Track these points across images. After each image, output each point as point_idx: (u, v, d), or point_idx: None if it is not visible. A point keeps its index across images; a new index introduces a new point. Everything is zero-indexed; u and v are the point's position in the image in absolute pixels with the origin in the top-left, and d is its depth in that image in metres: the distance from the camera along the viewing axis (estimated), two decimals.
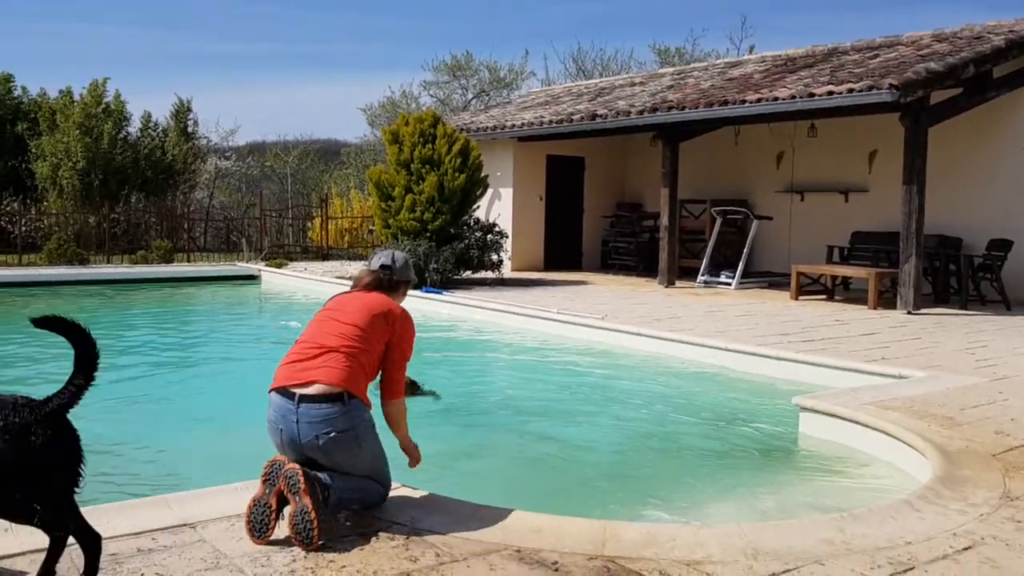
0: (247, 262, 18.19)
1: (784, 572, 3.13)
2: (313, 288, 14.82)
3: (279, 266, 17.41)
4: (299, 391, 3.52)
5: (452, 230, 14.15)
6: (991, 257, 11.92)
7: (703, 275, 14.57)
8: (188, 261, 18.82)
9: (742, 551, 3.31)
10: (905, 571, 3.15)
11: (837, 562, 3.23)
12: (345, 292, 4.05)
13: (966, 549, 3.36)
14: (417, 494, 3.85)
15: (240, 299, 14.94)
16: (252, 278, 16.60)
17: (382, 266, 4.11)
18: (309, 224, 23.31)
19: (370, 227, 20.83)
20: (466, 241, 14.12)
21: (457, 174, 14.12)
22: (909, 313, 10.77)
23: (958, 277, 12.19)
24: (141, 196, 21.60)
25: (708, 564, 3.20)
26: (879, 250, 12.91)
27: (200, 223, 23.38)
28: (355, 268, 16.59)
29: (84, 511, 3.36)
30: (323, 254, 20.80)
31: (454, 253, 13.80)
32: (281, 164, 34.08)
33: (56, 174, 21.04)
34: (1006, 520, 3.68)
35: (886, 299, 11.66)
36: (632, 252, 16.91)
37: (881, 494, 4.49)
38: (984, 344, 8.36)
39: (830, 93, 11.18)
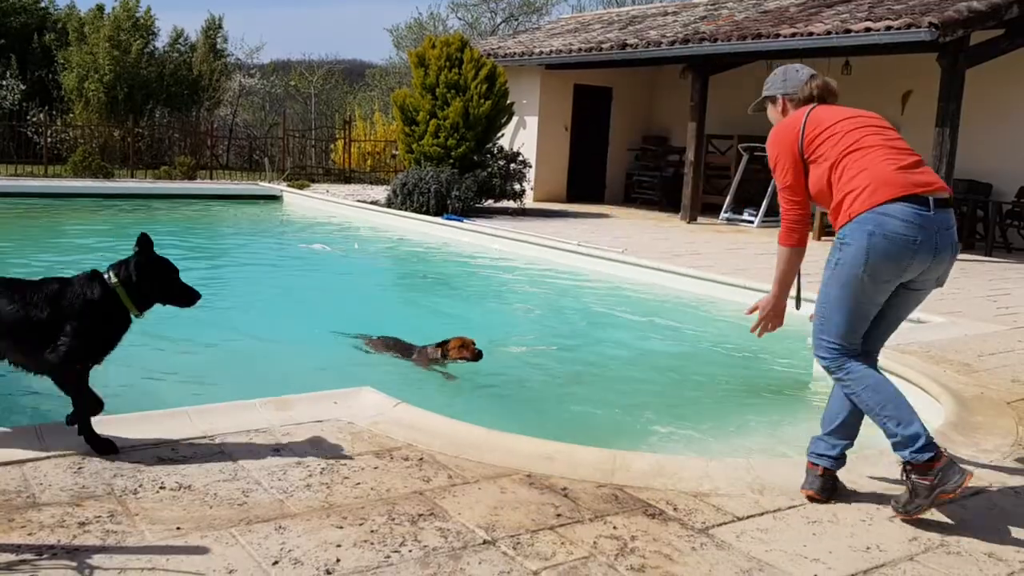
0: (269, 182, 18.20)
1: (789, 508, 3.19)
2: (335, 211, 14.85)
3: (301, 187, 17.41)
4: (932, 196, 3.06)
5: (475, 158, 14.06)
6: (1020, 204, 11.75)
7: (726, 212, 14.46)
8: (211, 178, 18.84)
9: (749, 485, 3.37)
10: (894, 488, 3.19)
11: (843, 500, 3.28)
12: (820, 108, 3.43)
13: (974, 495, 3.40)
14: (431, 417, 3.91)
15: (263, 219, 15.00)
16: (274, 198, 16.63)
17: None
18: (332, 146, 23.22)
19: (393, 151, 20.74)
20: (489, 169, 14.03)
21: (483, 100, 13.96)
22: None
23: (985, 223, 12.05)
24: (165, 111, 21.54)
25: (715, 496, 3.25)
26: None
27: (223, 141, 23.34)
28: (377, 192, 16.59)
29: (107, 420, 3.46)
30: (345, 176, 20.76)
31: (476, 181, 13.73)
32: (305, 84, 33.80)
33: (82, 86, 20.98)
34: (1016, 465, 3.71)
35: None
36: (656, 186, 16.77)
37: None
38: (1007, 292, 8.29)
39: (867, 30, 10.90)
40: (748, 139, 15.13)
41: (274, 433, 3.60)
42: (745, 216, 14.19)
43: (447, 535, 2.79)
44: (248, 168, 22.04)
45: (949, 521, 3.13)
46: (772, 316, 3.67)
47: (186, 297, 3.46)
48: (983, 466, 3.69)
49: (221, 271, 9.97)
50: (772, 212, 14.27)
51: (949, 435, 4.05)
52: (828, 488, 3.29)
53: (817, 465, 3.31)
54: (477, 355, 5.71)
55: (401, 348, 6.01)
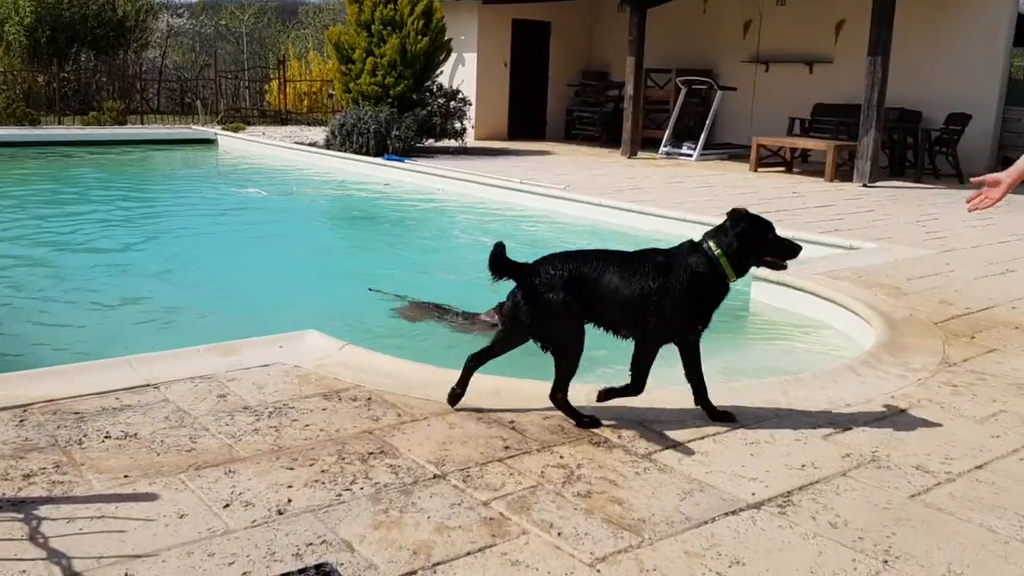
0: (203, 125, 17.72)
1: (728, 431, 3.30)
2: (273, 153, 14.56)
3: (236, 130, 17.01)
4: None
5: (414, 96, 13.86)
6: (948, 131, 12.04)
7: (665, 146, 14.54)
8: (142, 123, 18.28)
9: (690, 411, 3.47)
10: (843, 431, 3.33)
11: (779, 421, 3.41)
12: None
13: (902, 411, 3.55)
14: (378, 357, 3.94)
15: (198, 163, 14.65)
16: (209, 142, 16.22)
17: None
18: (267, 87, 22.64)
19: (330, 91, 20.30)
20: (429, 108, 13.86)
21: (420, 37, 13.71)
22: (864, 186, 10.92)
23: (915, 151, 12.34)
24: (91, 55, 20.71)
25: (658, 423, 3.35)
26: (840, 123, 12.94)
27: (153, 84, 22.57)
28: (315, 133, 16.29)
29: (45, 373, 3.41)
30: (281, 118, 20.31)
31: (416, 120, 13.57)
32: (237, 23, 32.74)
33: (2, 30, 20.06)
34: (942, 384, 3.88)
35: (843, 172, 11.79)
36: (596, 122, 16.75)
37: (826, 359, 4.68)
38: (935, 217, 8.55)
39: None
40: (686, 72, 15.17)
41: (220, 379, 3.59)
42: (684, 150, 14.29)
43: (398, 471, 2.84)
44: (180, 112, 21.39)
45: (880, 437, 3.27)
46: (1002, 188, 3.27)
47: (790, 252, 3.34)
48: (912, 384, 3.85)
49: (155, 219, 9.77)
50: (710, 145, 14.40)
51: (880, 356, 4.21)
52: None
53: None
54: None
55: (450, 313, 5.56)
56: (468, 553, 2.37)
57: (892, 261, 6.32)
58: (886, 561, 2.41)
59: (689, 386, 3.41)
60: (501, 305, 5.32)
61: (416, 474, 2.83)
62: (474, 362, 3.35)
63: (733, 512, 2.66)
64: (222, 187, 12.23)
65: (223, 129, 17.03)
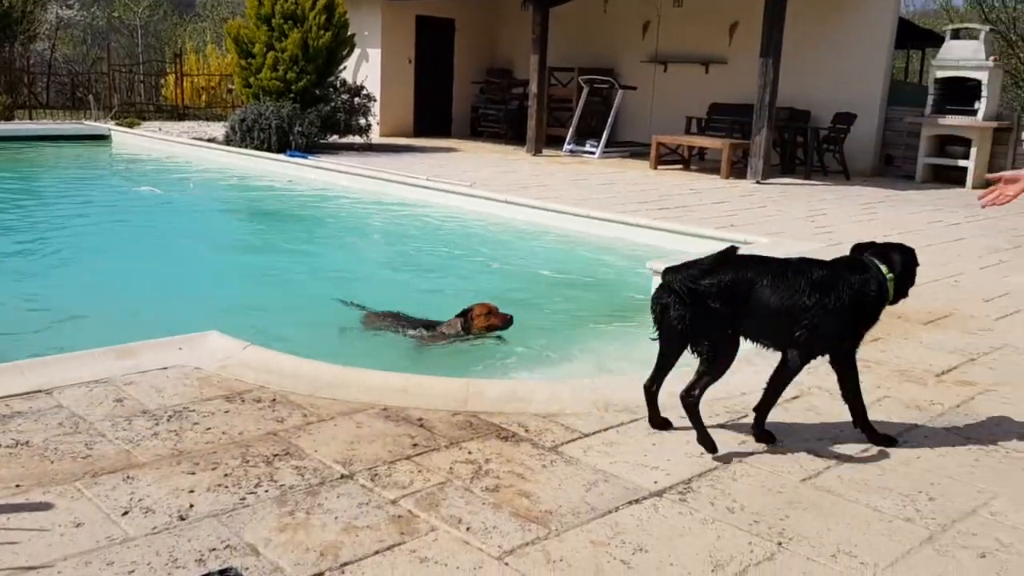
0: (96, 120, 17.04)
1: (632, 421, 3.39)
2: (169, 149, 14.11)
3: (131, 125, 16.42)
4: None
5: (318, 91, 13.66)
6: (835, 130, 12.59)
7: (569, 144, 14.74)
8: (30, 118, 17.47)
9: (594, 403, 3.55)
10: (740, 418, 3.47)
11: (680, 411, 3.51)
12: None
13: (794, 398, 3.71)
14: (283, 358, 3.88)
15: (90, 161, 14.08)
16: (102, 138, 15.59)
17: None
18: (163, 81, 21.93)
19: (229, 86, 19.80)
20: (333, 104, 13.68)
21: (322, 32, 13.52)
22: (758, 183, 11.32)
23: (804, 148, 12.85)
24: None
25: (563, 416, 3.42)
26: (734, 121, 13.36)
27: (42, 78, 21.61)
28: (214, 129, 15.87)
29: None
30: (179, 113, 19.71)
31: (320, 116, 13.37)
32: (130, 15, 31.54)
33: None
34: (830, 372, 4.05)
35: (738, 169, 12.17)
36: (501, 119, 16.84)
37: None
38: (824, 212, 8.92)
39: None
40: (588, 71, 15.40)
41: (116, 383, 3.49)
42: (587, 148, 14.50)
43: (304, 473, 2.82)
44: (71, 107, 20.51)
45: (773, 424, 3.41)
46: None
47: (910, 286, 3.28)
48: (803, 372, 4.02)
49: (45, 218, 9.36)
50: (612, 143, 14.66)
51: None
52: None
53: None
54: (507, 320, 5.14)
55: (410, 324, 5.35)
56: (376, 552, 2.38)
57: (784, 255, 6.57)
58: (780, 543, 2.52)
59: (595, 380, 3.48)
60: (464, 314, 5.15)
61: (323, 475, 2.81)
62: (654, 385, 3.27)
63: (636, 501, 2.74)
64: (116, 185, 11.79)
65: (117, 125, 16.41)
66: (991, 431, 3.42)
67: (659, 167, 12.88)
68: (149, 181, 11.18)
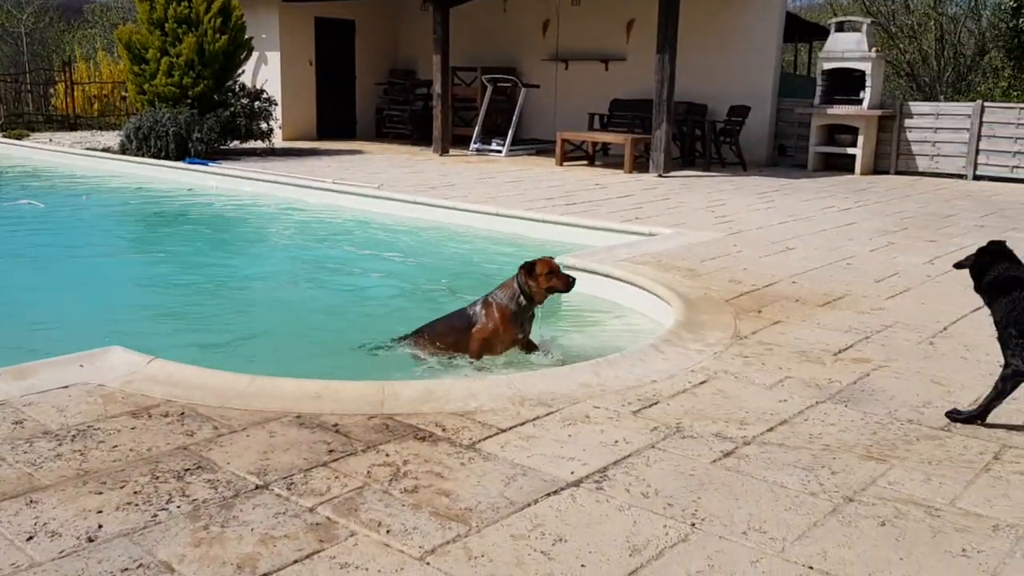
0: None
1: (547, 414, 3.44)
2: (61, 160, 13.57)
3: (19, 137, 15.73)
4: None
5: (216, 97, 13.34)
6: (731, 123, 12.98)
7: (475, 143, 14.78)
8: None
9: (510, 399, 3.58)
10: (651, 406, 3.55)
11: (593, 402, 3.58)
12: None
13: (702, 383, 3.83)
14: (190, 370, 3.79)
15: None
16: None
17: None
18: (52, 91, 21.05)
19: (123, 93, 19.14)
20: (232, 108, 13.39)
21: (218, 35, 13.21)
22: (660, 176, 11.59)
23: (703, 141, 13.21)
24: None
25: (480, 413, 3.44)
26: (635, 117, 13.64)
27: None
28: (108, 138, 15.33)
29: None
30: (70, 123, 18.97)
31: (219, 121, 13.06)
32: (14, 23, 30.14)
33: None
34: (735, 356, 4.21)
35: (640, 163, 12.42)
36: (406, 120, 16.76)
37: (633, 340, 4.95)
38: (723, 203, 9.19)
39: None
40: (491, 70, 15.47)
41: (14, 404, 3.35)
42: (494, 146, 14.57)
43: (217, 486, 2.76)
44: None
45: (684, 409, 3.51)
46: None
47: None
48: (709, 357, 4.15)
49: None
50: (517, 141, 14.77)
51: (680, 333, 4.50)
52: None
53: None
54: (569, 283, 4.51)
55: (451, 328, 4.63)
56: (295, 561, 2.35)
57: (687, 245, 6.75)
58: (693, 524, 2.60)
59: (510, 376, 3.51)
60: (529, 271, 4.43)
61: (237, 487, 2.77)
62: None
63: (554, 492, 2.79)
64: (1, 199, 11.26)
65: (4, 136, 15.70)
66: (886, 405, 3.60)
67: (565, 163, 13.04)
68: (36, 194, 10.72)
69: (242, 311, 5.72)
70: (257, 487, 2.77)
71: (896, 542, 2.52)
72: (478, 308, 4.60)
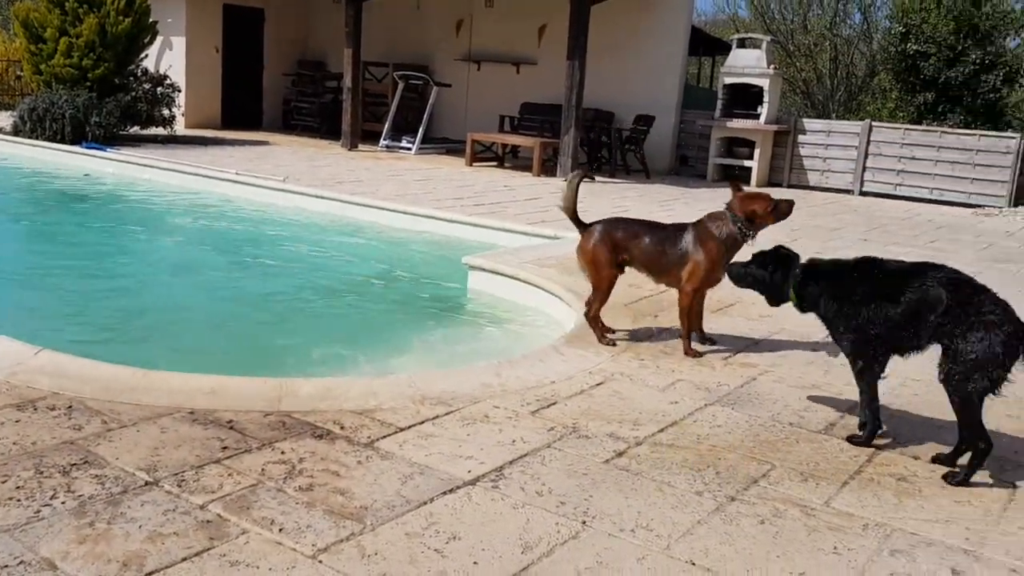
0: None
1: (447, 413, 3.47)
2: None
3: None
4: None
5: (117, 80, 12.90)
6: (636, 131, 13.28)
7: (385, 139, 14.68)
8: None
9: (411, 398, 3.60)
10: (549, 406, 3.63)
11: (493, 401, 3.64)
12: None
13: (599, 385, 3.92)
14: (80, 362, 3.68)
15: None
16: None
17: None
18: None
19: (18, 72, 18.23)
20: (133, 93, 12.96)
21: (121, 17, 12.78)
22: (567, 180, 11.74)
23: (609, 148, 13.48)
24: None
25: (379, 412, 3.45)
26: (544, 121, 13.79)
27: None
28: (0, 118, 14.61)
29: None
30: None
31: (119, 106, 12.62)
32: None
33: None
34: (631, 359, 4.32)
35: (548, 167, 12.58)
36: (315, 113, 16.52)
37: (536, 342, 5.03)
38: (626, 209, 9.38)
39: None
40: (403, 67, 15.38)
41: None
42: (404, 143, 14.50)
43: (104, 482, 2.70)
44: None
45: (580, 409, 3.60)
46: None
47: None
48: (607, 360, 4.26)
49: None
50: (428, 140, 14.74)
51: (581, 336, 4.60)
52: None
53: None
54: (791, 206, 4.26)
55: (660, 250, 4.36)
56: (184, 559, 2.33)
57: None
58: (584, 522, 2.68)
59: (411, 375, 3.53)
60: (745, 196, 4.20)
61: (125, 483, 2.71)
62: None
63: (451, 491, 2.82)
64: None
65: None
66: (770, 408, 3.77)
67: (474, 164, 13.08)
68: None
69: (138, 304, 5.56)
70: (146, 483, 2.72)
71: (773, 540, 2.65)
72: (689, 238, 4.28)
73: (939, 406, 3.77)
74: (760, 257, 3.61)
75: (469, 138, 13.22)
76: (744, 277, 3.66)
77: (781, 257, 3.56)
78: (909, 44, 15.35)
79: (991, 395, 3.06)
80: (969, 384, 3.03)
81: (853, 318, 3.29)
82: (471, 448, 3.16)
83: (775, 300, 3.61)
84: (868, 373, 3.35)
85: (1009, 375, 3.04)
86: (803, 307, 3.52)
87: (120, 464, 2.83)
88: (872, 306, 3.24)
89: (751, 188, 4.26)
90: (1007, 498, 3.04)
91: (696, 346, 4.49)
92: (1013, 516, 2.91)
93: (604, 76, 13.64)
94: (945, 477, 3.15)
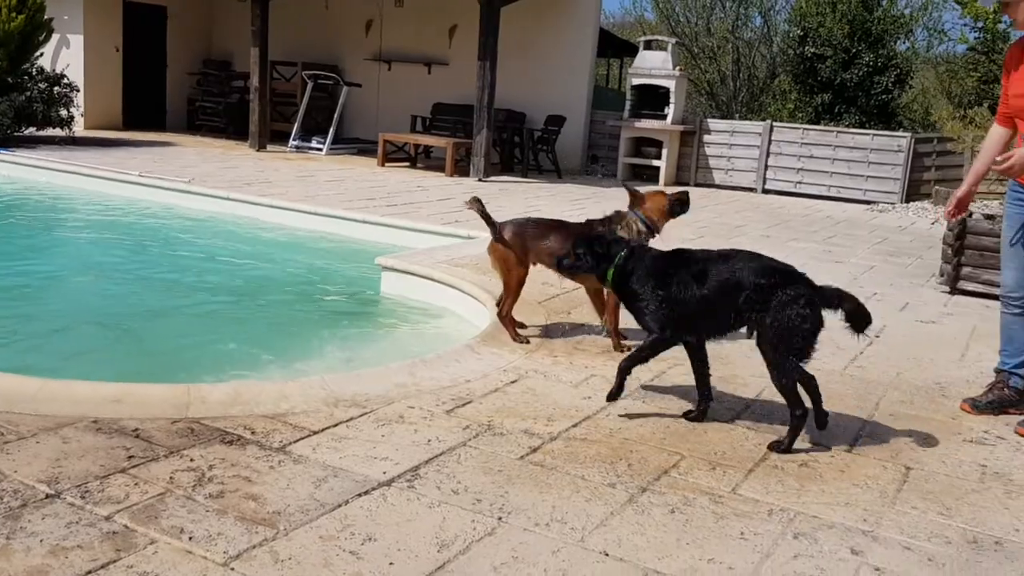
0: None
1: (361, 415, 3.45)
2: None
3: None
4: None
5: (11, 79, 12.38)
6: (548, 131, 13.42)
7: (295, 140, 14.46)
8: None
9: (323, 400, 3.57)
10: (464, 405, 3.64)
11: (408, 402, 3.63)
12: None
13: (513, 382, 3.96)
14: None
15: None
16: None
17: None
18: None
19: None
20: (28, 93, 12.44)
21: (14, 14, 12.26)
22: (480, 180, 11.81)
23: (521, 148, 13.59)
24: None
25: (291, 415, 3.40)
26: (457, 121, 13.81)
27: None
28: None
29: None
30: None
31: (13, 106, 12.11)
32: None
33: None
34: (545, 355, 4.38)
35: (461, 167, 12.60)
36: (221, 113, 16.14)
37: (451, 341, 5.03)
38: (538, 209, 9.47)
39: None
40: (312, 67, 15.18)
41: None
42: (314, 144, 14.31)
43: (3, 496, 2.60)
44: None
45: (495, 407, 3.63)
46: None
47: None
48: (521, 357, 4.30)
49: None
50: (339, 140, 14.58)
51: (495, 334, 4.63)
52: None
53: None
54: (687, 198, 4.57)
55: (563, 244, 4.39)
56: (89, 572, 2.26)
57: None
58: (500, 518, 2.70)
59: (324, 377, 3.49)
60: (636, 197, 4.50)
61: (25, 496, 2.61)
62: None
63: (366, 492, 2.81)
64: None
65: None
66: (678, 402, 3.86)
67: (387, 164, 13.00)
68: None
69: (35, 311, 5.34)
70: (48, 496, 2.62)
71: (683, 528, 2.73)
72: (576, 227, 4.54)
73: (837, 397, 3.93)
74: (585, 244, 3.72)
75: (381, 138, 13.13)
76: (576, 269, 3.79)
77: (606, 243, 3.71)
78: (807, 47, 15.90)
79: (803, 362, 3.35)
80: (778, 354, 3.32)
81: (664, 298, 3.50)
82: (386, 449, 3.15)
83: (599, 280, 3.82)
84: (660, 346, 3.57)
85: (815, 343, 3.35)
86: (619, 287, 3.68)
87: (19, 477, 2.72)
88: (682, 286, 3.47)
89: (650, 187, 4.60)
90: (900, 480, 3.20)
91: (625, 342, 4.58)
92: (906, 497, 3.06)
93: (515, 77, 13.74)
94: (770, 446, 3.39)
